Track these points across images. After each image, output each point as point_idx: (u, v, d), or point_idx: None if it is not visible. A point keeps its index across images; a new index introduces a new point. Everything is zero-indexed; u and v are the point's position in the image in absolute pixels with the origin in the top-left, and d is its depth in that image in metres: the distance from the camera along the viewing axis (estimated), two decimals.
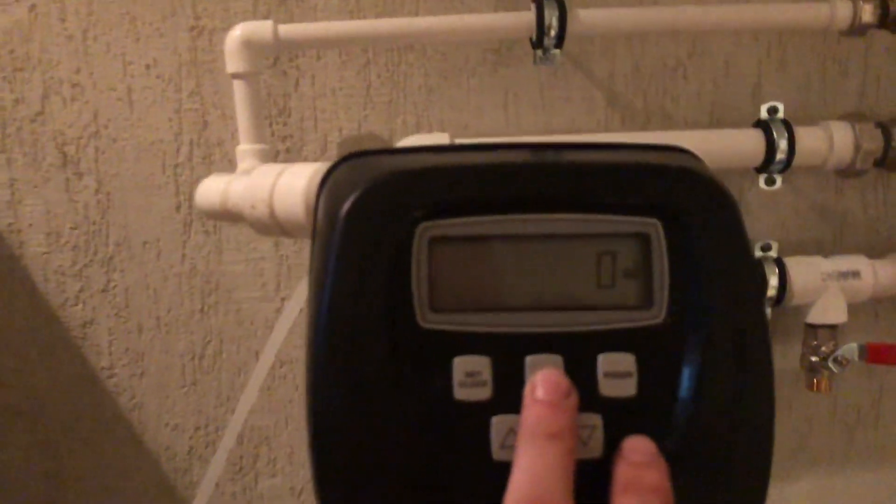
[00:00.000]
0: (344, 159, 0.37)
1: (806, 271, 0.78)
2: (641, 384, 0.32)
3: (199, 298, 0.82)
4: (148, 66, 0.78)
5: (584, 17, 0.72)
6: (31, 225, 0.79)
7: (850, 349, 0.78)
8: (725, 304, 0.33)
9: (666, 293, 0.33)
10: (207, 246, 0.81)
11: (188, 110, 0.78)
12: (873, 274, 0.78)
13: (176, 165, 0.79)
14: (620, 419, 0.32)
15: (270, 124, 0.79)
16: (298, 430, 0.85)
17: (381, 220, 0.32)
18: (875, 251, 0.83)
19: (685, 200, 0.33)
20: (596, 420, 0.32)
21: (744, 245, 0.33)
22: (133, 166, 0.79)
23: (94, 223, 0.80)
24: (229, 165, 0.78)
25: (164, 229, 0.80)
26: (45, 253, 0.80)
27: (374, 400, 0.32)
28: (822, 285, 0.78)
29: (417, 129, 0.80)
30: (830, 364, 0.78)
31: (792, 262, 0.78)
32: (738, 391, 0.33)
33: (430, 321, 0.32)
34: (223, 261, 0.81)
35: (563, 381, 0.31)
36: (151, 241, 0.80)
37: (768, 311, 0.81)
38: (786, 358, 0.87)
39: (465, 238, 0.33)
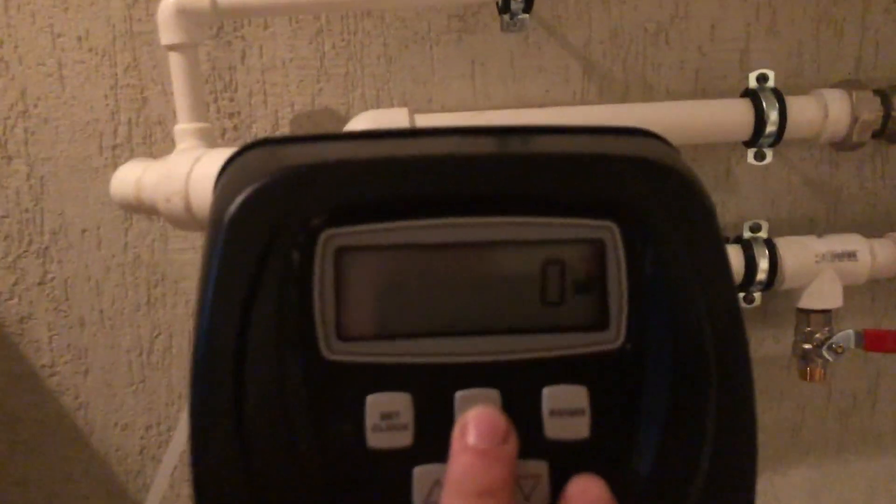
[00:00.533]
0: (248, 147, 0.31)
1: (798, 253, 0.72)
2: (595, 423, 0.27)
3: (145, 290, 0.76)
4: (79, 39, 0.71)
5: None
6: None
7: (846, 336, 0.72)
8: (695, 323, 0.27)
9: (624, 311, 0.27)
10: (152, 233, 0.75)
11: (125, 86, 0.72)
12: (870, 254, 0.72)
13: (114, 147, 0.73)
14: (571, 466, 0.26)
15: (215, 100, 0.72)
16: None
17: (275, 226, 0.26)
18: (872, 229, 0.78)
19: (646, 198, 0.27)
20: (541, 468, 0.26)
21: (719, 251, 0.27)
22: (67, 148, 0.73)
23: (26, 211, 0.73)
24: (171, 146, 0.72)
25: (104, 216, 0.74)
26: None
27: (268, 450, 0.26)
28: (815, 267, 0.72)
29: (377, 104, 0.74)
30: (825, 352, 0.73)
31: (783, 243, 0.73)
32: (711, 429, 0.27)
33: (337, 352, 0.26)
34: (169, 249, 0.75)
35: (500, 422, 0.26)
36: (91, 228, 0.74)
37: (757, 295, 0.76)
38: (778, 344, 0.82)
39: (379, 248, 0.27)
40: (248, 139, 0.72)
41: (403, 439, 0.26)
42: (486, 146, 0.28)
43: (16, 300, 0.75)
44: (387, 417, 0.26)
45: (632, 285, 0.27)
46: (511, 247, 0.27)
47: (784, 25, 0.76)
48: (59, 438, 0.78)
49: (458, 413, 0.26)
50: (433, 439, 0.26)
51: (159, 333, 0.77)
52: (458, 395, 0.26)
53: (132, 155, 0.72)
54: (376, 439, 0.26)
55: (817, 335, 0.73)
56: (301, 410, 0.26)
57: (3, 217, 0.73)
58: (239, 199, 0.26)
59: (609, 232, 0.27)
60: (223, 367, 0.26)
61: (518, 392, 0.27)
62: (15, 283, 0.75)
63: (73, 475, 0.79)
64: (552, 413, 0.27)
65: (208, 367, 0.26)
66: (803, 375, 0.76)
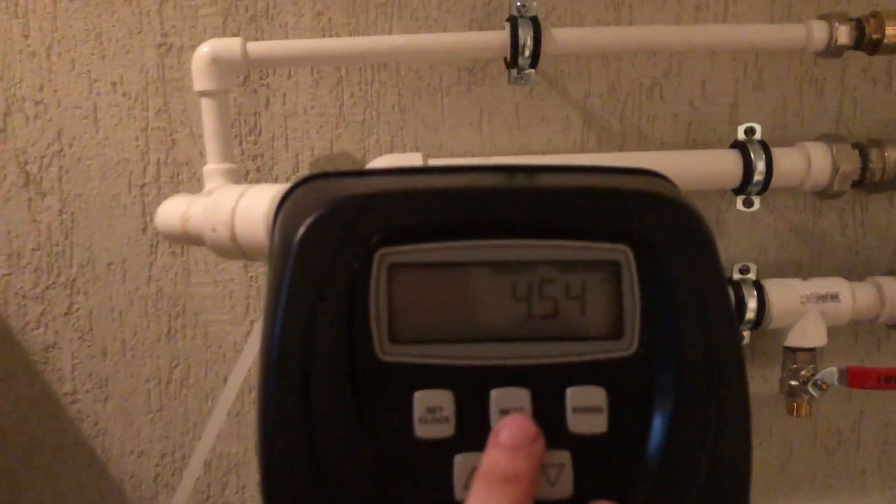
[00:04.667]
0: (303, 181, 0.35)
1: (784, 294, 0.77)
2: (612, 419, 0.31)
3: (166, 321, 0.79)
4: (114, 84, 0.76)
5: (558, 37, 0.71)
6: None
7: (830, 373, 0.77)
8: (699, 333, 0.31)
9: (637, 323, 0.31)
10: (175, 268, 0.79)
11: (155, 129, 0.76)
12: (852, 296, 0.77)
13: (142, 185, 0.77)
14: (591, 457, 0.30)
15: (240, 143, 0.77)
16: None
17: (337, 246, 0.31)
18: (854, 273, 0.82)
19: (656, 227, 0.31)
20: (565, 458, 0.30)
21: (718, 273, 0.32)
22: (98, 186, 0.77)
23: (56, 244, 0.77)
24: (197, 185, 0.76)
25: (129, 250, 0.78)
26: (5, 275, 0.77)
27: (330, 438, 0.30)
28: (800, 308, 0.76)
29: (391, 149, 0.79)
30: (810, 388, 0.77)
31: (770, 285, 0.77)
32: (713, 424, 0.31)
33: (390, 353, 0.31)
34: (191, 283, 0.79)
35: (530, 426, 0.30)
36: (117, 262, 0.78)
37: (746, 334, 0.80)
38: (766, 382, 0.86)
39: (426, 265, 0.31)
40: (271, 180, 0.77)
41: (446, 430, 0.30)
42: (521, 181, 0.33)
43: (42, 329, 0.79)
44: (432, 411, 0.30)
45: (644, 301, 0.31)
46: (540, 266, 0.31)
47: (770, 83, 0.81)
48: (77, 464, 0.81)
49: (494, 408, 0.30)
50: (472, 431, 0.30)
51: (178, 364, 0.80)
52: (494, 392, 0.30)
53: (160, 193, 0.77)
54: (423, 430, 0.30)
55: (803, 372, 0.78)
56: (359, 404, 0.30)
57: (35, 250, 0.77)
58: (307, 223, 0.31)
59: (624, 255, 0.31)
60: (293, 367, 0.30)
61: (545, 391, 0.31)
62: (42, 314, 0.78)
63: (89, 501, 0.82)
64: (575, 410, 0.31)
65: (280, 368, 0.30)
66: (790, 411, 0.80)
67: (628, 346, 0.31)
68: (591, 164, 0.35)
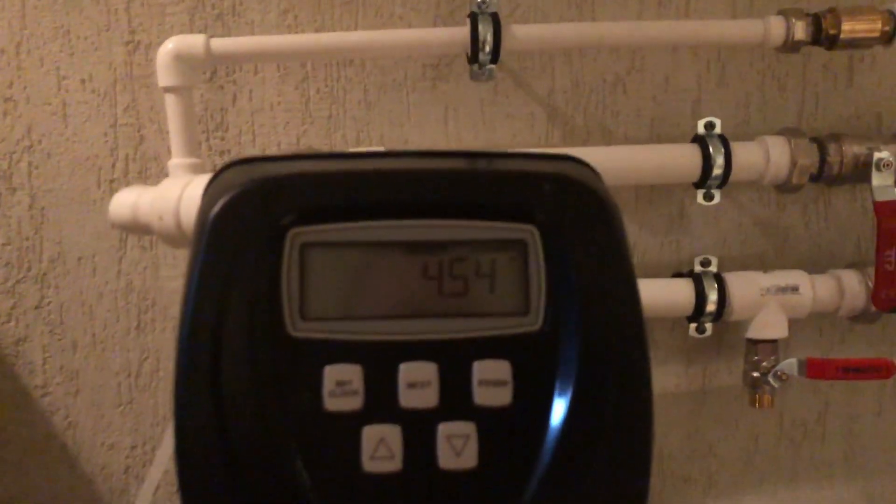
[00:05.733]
0: (228, 165, 0.36)
1: (745, 286, 0.78)
2: (517, 393, 0.32)
3: (136, 315, 0.81)
4: (83, 81, 0.77)
5: (518, 33, 0.72)
6: None
7: (789, 364, 0.78)
8: (601, 311, 0.32)
9: (543, 301, 0.32)
10: (144, 262, 0.80)
11: (124, 125, 0.78)
12: (812, 289, 0.78)
13: (111, 180, 0.78)
14: (495, 428, 0.32)
15: (207, 139, 0.78)
16: None
17: (250, 226, 0.32)
18: (817, 267, 0.83)
19: (560, 208, 0.32)
20: (470, 429, 0.32)
21: (622, 253, 0.33)
22: (68, 181, 0.78)
23: (27, 239, 0.78)
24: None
25: (99, 245, 0.79)
26: None
27: (242, 411, 0.31)
28: (761, 300, 0.77)
29: (357, 144, 0.80)
30: (771, 379, 0.78)
31: (731, 277, 0.78)
32: (614, 398, 0.32)
33: (300, 330, 0.32)
34: (160, 276, 0.80)
35: None
36: (87, 256, 0.79)
37: (709, 326, 0.81)
38: (731, 374, 0.87)
39: (336, 244, 0.32)
40: None
41: (355, 403, 0.31)
42: (430, 164, 0.34)
43: (13, 323, 0.80)
44: (341, 385, 0.31)
45: (549, 278, 0.32)
46: (448, 245, 0.32)
47: (732, 78, 0.82)
48: (48, 457, 0.82)
49: (402, 382, 0.31)
50: (380, 403, 0.31)
51: (147, 357, 0.81)
52: (402, 366, 0.32)
53: None
54: (332, 403, 0.31)
55: (764, 363, 0.78)
56: (269, 379, 0.31)
57: (5, 244, 0.78)
58: (221, 202, 0.32)
59: (531, 234, 0.33)
60: (205, 342, 0.31)
61: (452, 365, 0.32)
62: (13, 307, 0.79)
63: (60, 494, 0.83)
64: (480, 383, 0.32)
65: (192, 343, 0.31)
66: (753, 402, 0.80)
67: (534, 322, 0.32)
68: (513, 150, 0.36)
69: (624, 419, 0.32)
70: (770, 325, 0.78)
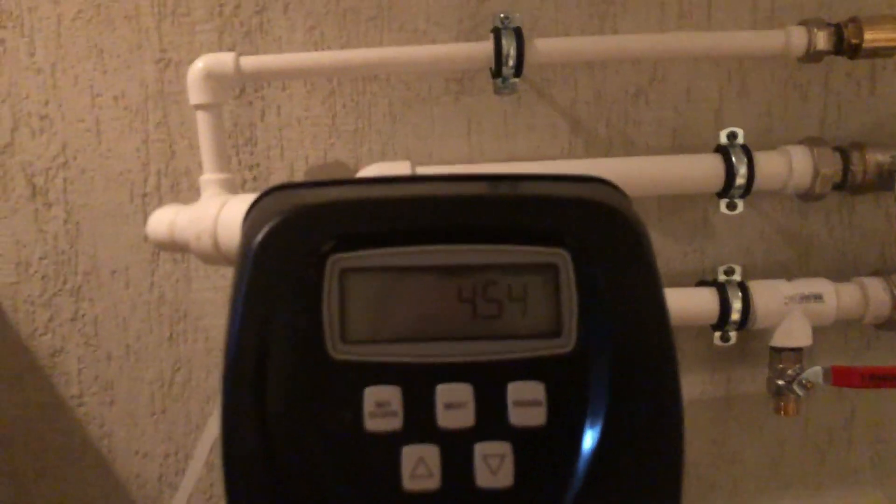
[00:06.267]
0: (269, 191, 0.38)
1: (769, 295, 0.78)
2: (551, 413, 0.33)
3: (168, 326, 0.82)
4: (116, 98, 0.79)
5: (541, 47, 0.73)
6: (0, 255, 0.80)
7: (814, 372, 0.78)
8: (632, 332, 0.33)
9: (574, 322, 0.33)
10: (176, 274, 0.81)
11: (155, 141, 0.79)
12: (836, 297, 0.78)
13: (144, 195, 0.80)
14: (530, 448, 0.33)
15: (237, 153, 0.80)
16: None
17: (292, 252, 0.33)
18: (841, 274, 0.83)
19: (591, 232, 0.33)
20: (506, 449, 0.32)
21: (651, 275, 0.34)
22: (101, 196, 0.80)
23: (62, 253, 0.80)
24: (196, 194, 0.78)
25: (132, 258, 0.81)
26: (13, 283, 0.81)
27: (285, 432, 0.32)
28: (785, 308, 0.78)
29: (382, 157, 0.81)
30: (795, 387, 0.78)
31: (755, 286, 0.79)
32: (645, 419, 0.33)
33: (341, 352, 0.33)
34: (192, 289, 0.82)
35: None
36: (120, 269, 0.81)
37: (733, 335, 0.82)
38: (755, 382, 0.87)
39: (375, 269, 0.33)
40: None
41: (394, 424, 0.32)
42: (465, 189, 0.35)
43: (49, 335, 0.82)
44: (381, 406, 0.32)
45: (580, 301, 0.33)
46: (482, 269, 0.34)
47: (754, 88, 0.83)
48: (84, 466, 0.84)
49: (439, 403, 0.32)
50: (418, 424, 0.32)
51: (180, 367, 0.83)
52: (439, 388, 0.33)
53: (160, 203, 0.80)
54: (372, 423, 0.32)
55: (789, 372, 0.79)
56: (312, 400, 0.32)
57: (42, 258, 0.80)
58: (264, 230, 0.33)
59: (562, 258, 0.34)
60: (250, 364, 0.32)
61: (487, 386, 0.33)
62: (50, 320, 0.81)
63: (95, 501, 0.85)
64: (515, 404, 0.33)
65: (238, 366, 0.32)
66: (777, 410, 0.81)
67: (566, 343, 0.33)
68: (542, 173, 0.37)
69: (655, 437, 0.33)
70: (794, 333, 0.78)
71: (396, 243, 0.33)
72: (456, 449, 0.32)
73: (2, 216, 0.79)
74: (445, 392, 0.33)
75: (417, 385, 0.33)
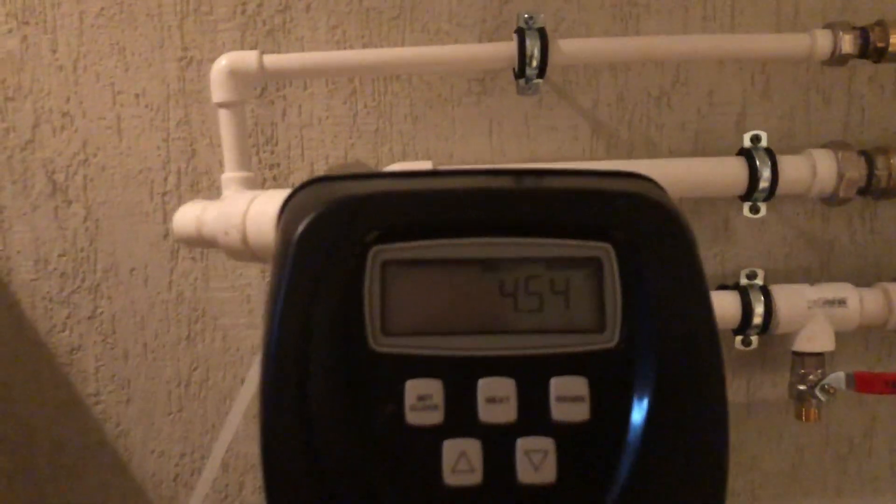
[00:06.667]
0: (305, 184, 0.37)
1: (791, 299, 0.77)
2: (594, 408, 0.32)
3: (186, 325, 0.82)
4: (137, 96, 0.79)
5: (565, 48, 0.73)
6: (19, 252, 0.80)
7: (837, 378, 0.77)
8: (677, 327, 0.33)
9: (619, 317, 0.33)
10: (194, 273, 0.81)
11: (176, 139, 0.79)
12: (860, 302, 0.77)
13: (164, 193, 0.80)
14: (573, 444, 0.32)
15: (257, 152, 0.80)
16: None
17: (333, 244, 0.33)
18: (863, 279, 0.83)
19: (636, 225, 0.33)
20: (549, 444, 0.32)
21: (696, 271, 0.33)
22: (121, 194, 0.80)
23: (81, 250, 0.80)
24: (216, 193, 0.78)
25: (151, 256, 0.81)
26: (32, 280, 0.81)
27: (326, 425, 0.32)
28: (807, 313, 0.77)
29: (403, 157, 0.81)
30: (818, 393, 0.78)
31: (777, 290, 0.78)
32: (690, 414, 0.32)
33: (382, 345, 0.32)
34: (210, 287, 0.82)
35: None
36: (139, 267, 0.81)
37: (754, 339, 0.81)
38: (776, 387, 0.87)
39: (417, 262, 0.33)
40: (287, 188, 0.80)
41: (435, 417, 0.32)
42: (506, 182, 0.35)
43: (67, 332, 0.82)
44: (422, 399, 0.32)
45: (625, 296, 0.33)
46: (526, 262, 0.33)
47: (777, 91, 0.82)
48: (100, 464, 0.84)
49: (481, 397, 0.32)
50: (460, 418, 0.32)
51: (197, 366, 0.83)
52: (481, 381, 0.32)
53: (180, 201, 0.79)
54: (413, 417, 0.32)
55: (811, 377, 0.78)
56: (353, 393, 0.32)
57: (61, 255, 0.80)
58: (305, 222, 0.33)
59: (606, 252, 0.33)
60: (291, 358, 0.32)
61: (530, 381, 0.32)
62: (68, 317, 0.81)
63: (111, 500, 0.84)
64: (558, 399, 0.32)
65: (279, 359, 0.32)
66: (799, 415, 0.80)
67: (610, 338, 0.33)
68: (581, 167, 0.37)
69: (700, 433, 0.32)
70: (817, 338, 0.78)
71: (439, 235, 0.33)
72: (498, 444, 0.32)
73: (22, 213, 0.79)
74: (487, 386, 0.32)
75: (459, 379, 0.32)
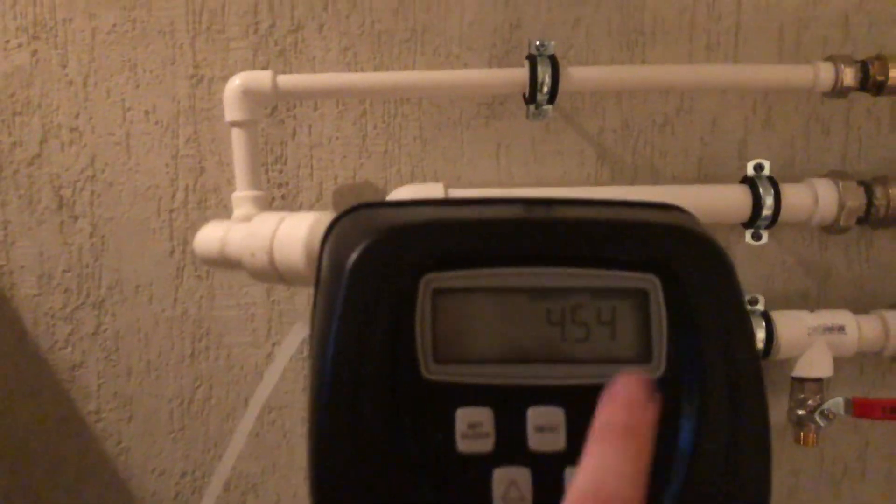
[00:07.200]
0: (348, 211, 0.38)
1: (792, 325, 0.79)
2: None
3: (190, 343, 0.82)
4: (147, 113, 0.79)
5: (575, 75, 0.74)
6: (23, 267, 0.79)
7: (836, 403, 0.79)
8: (722, 358, 0.33)
9: (664, 348, 0.34)
10: (200, 291, 0.81)
11: (185, 156, 0.79)
12: (858, 329, 0.79)
13: (171, 210, 0.80)
14: None
15: (266, 171, 0.80)
16: (285, 477, 0.84)
17: (386, 272, 0.33)
18: (859, 306, 0.84)
19: (683, 258, 0.34)
20: None
21: (739, 301, 0.34)
22: (128, 210, 0.80)
23: (86, 266, 0.80)
24: (224, 211, 0.79)
25: (157, 273, 0.80)
26: (36, 295, 0.80)
27: (377, 451, 0.32)
28: (807, 339, 0.79)
29: (412, 179, 0.81)
30: (817, 417, 0.79)
31: (778, 316, 0.80)
32: (735, 443, 0.33)
33: (434, 372, 0.33)
34: (215, 306, 0.81)
35: (646, 384, 0.29)
36: (144, 284, 0.81)
37: (760, 361, 0.82)
38: (773, 411, 0.87)
39: (468, 290, 0.33)
40: (295, 207, 0.80)
41: (486, 445, 0.32)
42: (555, 213, 0.35)
43: (70, 349, 0.81)
44: (473, 427, 0.32)
45: (670, 327, 0.34)
46: (575, 292, 0.34)
47: (778, 121, 0.84)
48: (99, 482, 0.83)
49: (530, 425, 0.32)
50: (510, 446, 0.32)
51: (200, 384, 0.82)
52: (530, 410, 0.33)
53: (188, 219, 0.79)
54: (464, 445, 0.32)
55: (810, 402, 0.80)
56: (405, 421, 0.32)
57: (65, 271, 0.80)
58: (358, 250, 0.33)
59: (652, 284, 0.34)
60: (345, 385, 0.32)
61: (579, 410, 0.33)
62: (70, 333, 0.81)
63: None
64: None
65: (333, 386, 0.32)
66: (797, 440, 0.81)
67: (656, 369, 0.34)
68: (618, 198, 0.38)
69: (745, 463, 0.33)
70: (816, 363, 0.79)
71: (489, 264, 0.33)
72: (547, 472, 0.32)
73: (27, 228, 0.79)
74: (537, 415, 0.33)
75: (509, 407, 0.33)
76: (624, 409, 0.29)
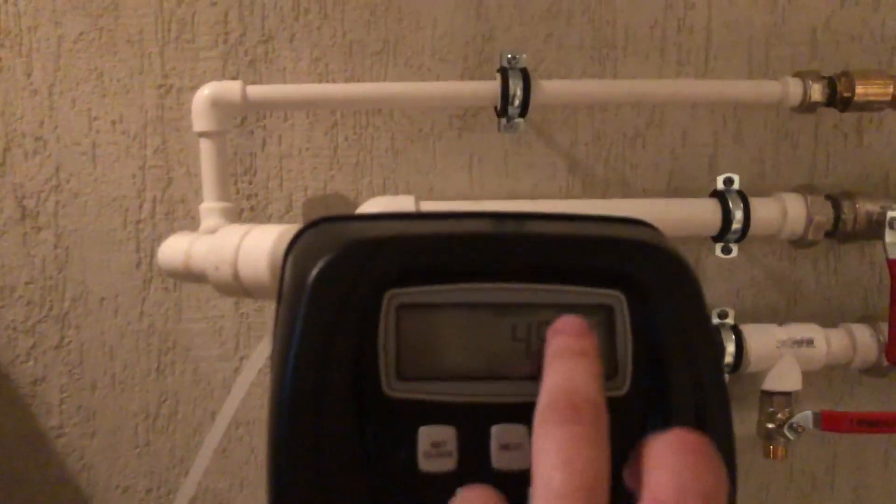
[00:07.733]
0: (311, 224, 0.37)
1: (761, 339, 0.79)
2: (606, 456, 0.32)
3: (156, 356, 0.80)
4: (114, 122, 0.78)
5: (547, 88, 0.74)
6: None
7: (804, 417, 0.79)
8: (687, 375, 0.33)
9: (630, 365, 0.33)
10: (167, 303, 0.80)
11: (152, 167, 0.78)
12: (826, 342, 0.80)
13: (138, 221, 0.79)
14: None
15: (235, 182, 0.79)
16: (254, 493, 0.83)
17: (349, 287, 0.32)
18: (826, 320, 0.85)
19: (648, 274, 0.33)
20: None
21: (704, 317, 0.34)
22: (94, 221, 0.78)
23: (50, 278, 0.78)
24: (192, 223, 0.78)
25: (123, 285, 0.79)
26: None
27: (338, 470, 0.31)
28: (777, 353, 0.79)
29: (384, 191, 0.81)
30: (786, 431, 0.79)
31: (748, 330, 0.80)
32: None
33: (396, 389, 0.32)
34: (182, 319, 0.80)
35: (584, 322, 0.32)
36: (109, 297, 0.79)
37: (725, 377, 0.82)
38: (743, 424, 0.88)
39: (432, 306, 0.33)
40: (264, 219, 0.79)
41: (449, 464, 0.32)
42: (520, 227, 0.35)
43: (31, 363, 0.79)
44: (436, 446, 0.32)
45: (635, 343, 0.33)
46: (538, 308, 0.33)
47: (747, 135, 0.85)
48: (61, 500, 0.81)
49: (494, 444, 0.32)
50: (473, 465, 0.32)
51: (166, 399, 0.81)
52: (494, 428, 0.32)
53: (154, 230, 0.78)
54: (426, 464, 0.32)
55: (779, 415, 0.80)
56: (366, 439, 0.32)
57: (28, 283, 0.78)
58: (320, 264, 0.32)
59: (617, 300, 0.34)
60: (305, 401, 0.31)
61: None
62: (32, 347, 0.79)
63: None
64: None
65: (292, 402, 0.32)
66: (767, 454, 0.82)
67: (621, 386, 0.33)
68: (583, 213, 0.37)
69: None
70: (785, 377, 0.80)
71: (453, 280, 0.33)
72: (511, 491, 0.32)
73: None
74: (501, 433, 0.32)
75: (473, 425, 0.32)
76: (572, 336, 0.31)
